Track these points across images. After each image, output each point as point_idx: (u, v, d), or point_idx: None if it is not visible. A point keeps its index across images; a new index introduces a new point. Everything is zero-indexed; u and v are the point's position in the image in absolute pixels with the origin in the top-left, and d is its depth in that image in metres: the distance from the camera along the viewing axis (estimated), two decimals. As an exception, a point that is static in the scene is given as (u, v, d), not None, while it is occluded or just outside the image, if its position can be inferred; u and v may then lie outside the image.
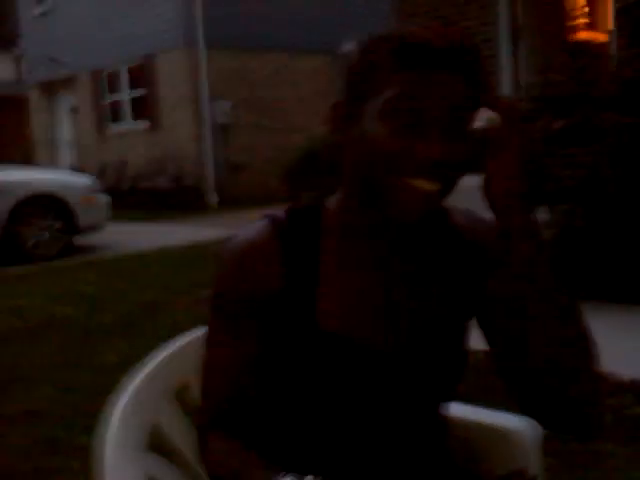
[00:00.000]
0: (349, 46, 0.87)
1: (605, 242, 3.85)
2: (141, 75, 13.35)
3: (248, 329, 0.89)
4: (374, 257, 0.92)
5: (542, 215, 4.38)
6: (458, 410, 1.23)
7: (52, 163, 15.76)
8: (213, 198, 12.26)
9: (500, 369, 0.89)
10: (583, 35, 10.10)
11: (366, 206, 0.88)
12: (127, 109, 13.97)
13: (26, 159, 15.74)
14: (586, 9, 11.43)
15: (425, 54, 0.80)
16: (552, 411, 0.84)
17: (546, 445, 1.17)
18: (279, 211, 0.94)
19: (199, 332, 1.21)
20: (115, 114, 14.25)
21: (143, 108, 13.43)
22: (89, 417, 2.93)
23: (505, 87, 7.26)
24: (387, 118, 0.81)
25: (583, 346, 0.83)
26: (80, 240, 8.04)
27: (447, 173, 0.82)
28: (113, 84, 14.18)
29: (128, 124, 13.94)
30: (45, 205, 7.52)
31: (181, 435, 1.14)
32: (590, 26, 11.49)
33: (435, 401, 0.97)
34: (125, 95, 13.97)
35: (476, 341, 0.96)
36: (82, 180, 8.22)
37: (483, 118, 0.80)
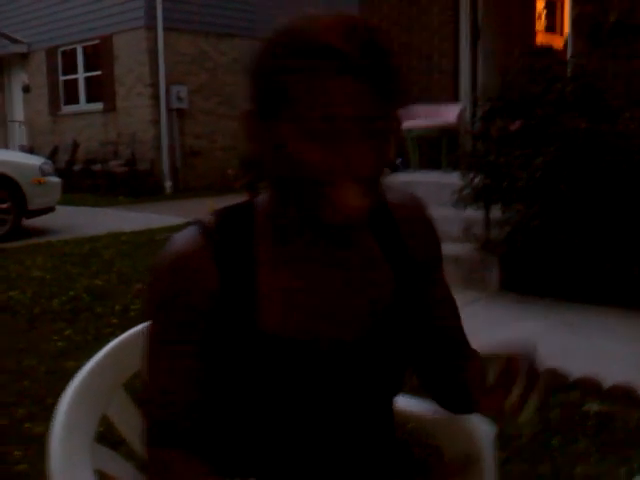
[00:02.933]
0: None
1: (559, 242, 3.93)
2: (97, 55, 13.06)
3: (190, 340, 0.87)
4: (311, 253, 0.90)
5: (496, 213, 4.45)
6: (415, 404, 1.24)
7: (3, 142, 15.31)
8: (168, 184, 12.09)
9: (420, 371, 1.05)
10: (542, 39, 10.33)
11: (296, 211, 0.85)
12: (82, 89, 13.65)
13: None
14: (544, 13, 11.68)
15: (330, 58, 0.75)
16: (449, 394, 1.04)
17: (499, 440, 1.18)
18: (208, 215, 0.91)
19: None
20: (69, 94, 13.91)
21: (98, 89, 13.13)
22: (34, 404, 2.87)
23: (464, 87, 7.35)
24: (305, 136, 0.78)
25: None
26: (29, 223, 7.84)
27: (373, 182, 0.81)
28: (68, 63, 13.83)
29: (82, 105, 13.63)
30: (-6, 185, 7.29)
31: (130, 426, 1.11)
32: (548, 30, 11.75)
33: (383, 393, 0.96)
34: (80, 75, 13.64)
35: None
36: (33, 161, 8.01)
37: None
